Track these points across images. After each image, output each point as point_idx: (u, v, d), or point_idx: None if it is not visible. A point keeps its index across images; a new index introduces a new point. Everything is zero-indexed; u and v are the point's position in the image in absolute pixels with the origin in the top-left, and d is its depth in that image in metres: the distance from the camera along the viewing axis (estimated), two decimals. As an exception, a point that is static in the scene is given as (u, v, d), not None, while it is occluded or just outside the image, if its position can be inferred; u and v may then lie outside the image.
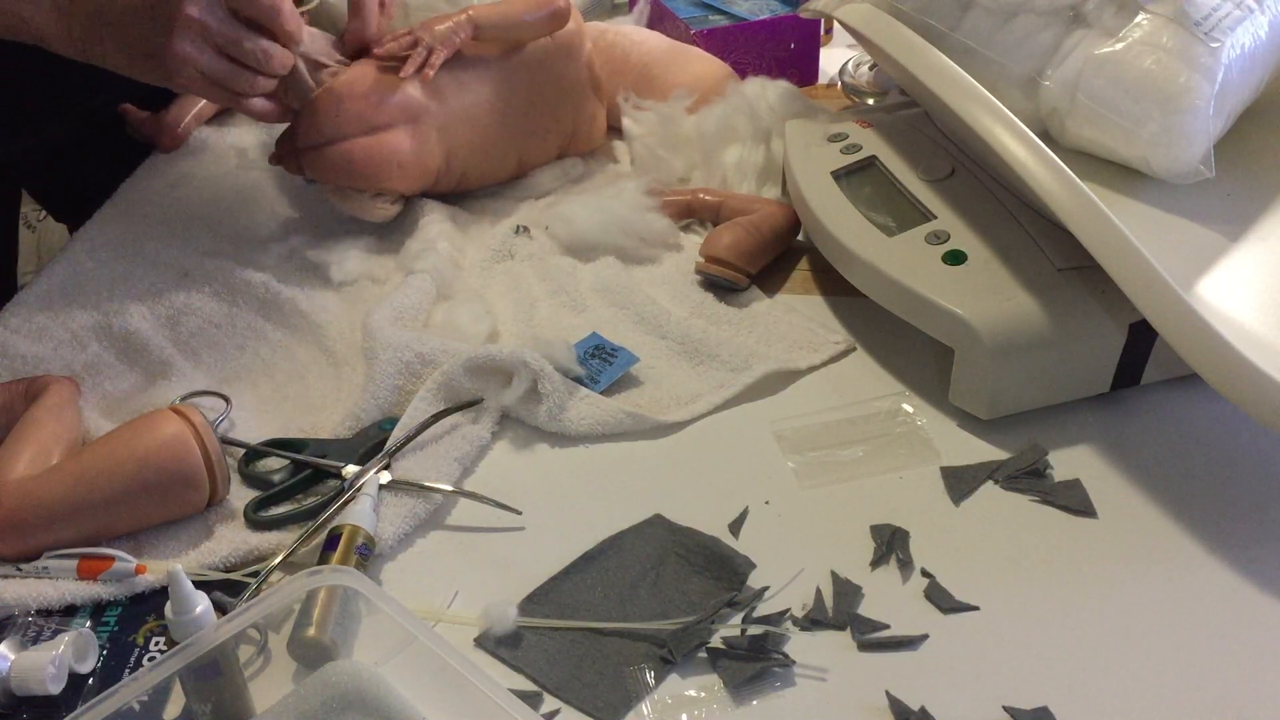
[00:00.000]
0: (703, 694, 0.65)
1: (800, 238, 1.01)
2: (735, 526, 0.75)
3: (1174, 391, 0.82)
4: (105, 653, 0.69)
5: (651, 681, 0.66)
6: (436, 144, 1.02)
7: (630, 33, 1.18)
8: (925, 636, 0.67)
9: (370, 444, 0.81)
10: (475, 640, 0.69)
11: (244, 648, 0.68)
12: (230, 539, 0.74)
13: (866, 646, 0.67)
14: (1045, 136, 0.87)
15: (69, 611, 0.71)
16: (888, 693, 0.64)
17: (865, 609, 0.69)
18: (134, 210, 1.10)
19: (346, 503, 0.75)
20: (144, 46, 0.88)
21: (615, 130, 1.15)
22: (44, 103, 1.17)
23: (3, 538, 0.72)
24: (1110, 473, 0.77)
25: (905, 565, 0.72)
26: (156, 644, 0.69)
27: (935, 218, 0.87)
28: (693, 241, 1.00)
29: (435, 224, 1.02)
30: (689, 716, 0.64)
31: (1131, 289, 0.71)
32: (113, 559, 0.72)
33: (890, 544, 0.73)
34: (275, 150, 1.02)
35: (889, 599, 0.70)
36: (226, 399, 0.85)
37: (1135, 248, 0.71)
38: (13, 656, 0.66)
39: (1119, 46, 0.82)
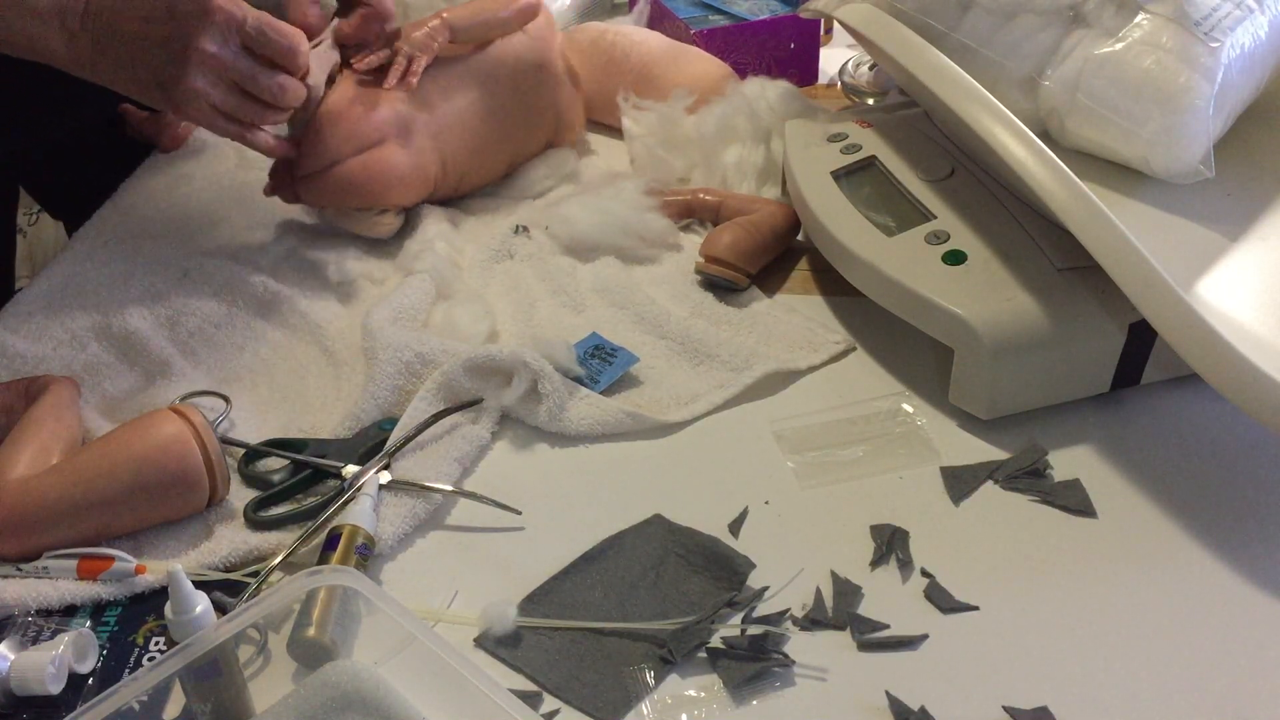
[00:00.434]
0: (703, 694, 0.65)
1: (800, 238, 1.01)
2: (735, 526, 0.75)
3: (1174, 391, 0.82)
4: (105, 653, 0.69)
5: (651, 681, 0.66)
6: (431, 152, 1.02)
7: (630, 33, 1.18)
8: (925, 636, 0.67)
9: (370, 444, 0.81)
10: (475, 640, 0.69)
11: (244, 648, 0.68)
12: (230, 539, 0.74)
13: (866, 646, 0.67)
14: (1045, 136, 0.87)
15: (69, 611, 0.71)
16: (888, 693, 0.64)
17: (865, 609, 0.69)
18: (133, 210, 1.10)
19: (346, 503, 0.75)
20: (154, 76, 0.87)
21: (615, 130, 1.15)
22: (44, 103, 1.17)
23: (3, 538, 0.72)
24: (1110, 473, 0.77)
25: (905, 565, 0.72)
26: (156, 644, 0.69)
27: (935, 218, 0.87)
28: (692, 241, 1.01)
29: (434, 225, 1.02)
30: (689, 716, 0.64)
31: (1131, 289, 0.71)
32: (113, 559, 0.72)
33: (890, 544, 0.73)
34: (270, 182, 1.01)
35: (889, 599, 0.70)
36: (226, 399, 0.85)
37: (1135, 248, 0.71)
38: (13, 656, 0.66)
39: (1119, 46, 0.82)
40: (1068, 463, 0.78)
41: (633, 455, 0.81)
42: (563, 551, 0.73)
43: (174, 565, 0.61)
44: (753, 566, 0.71)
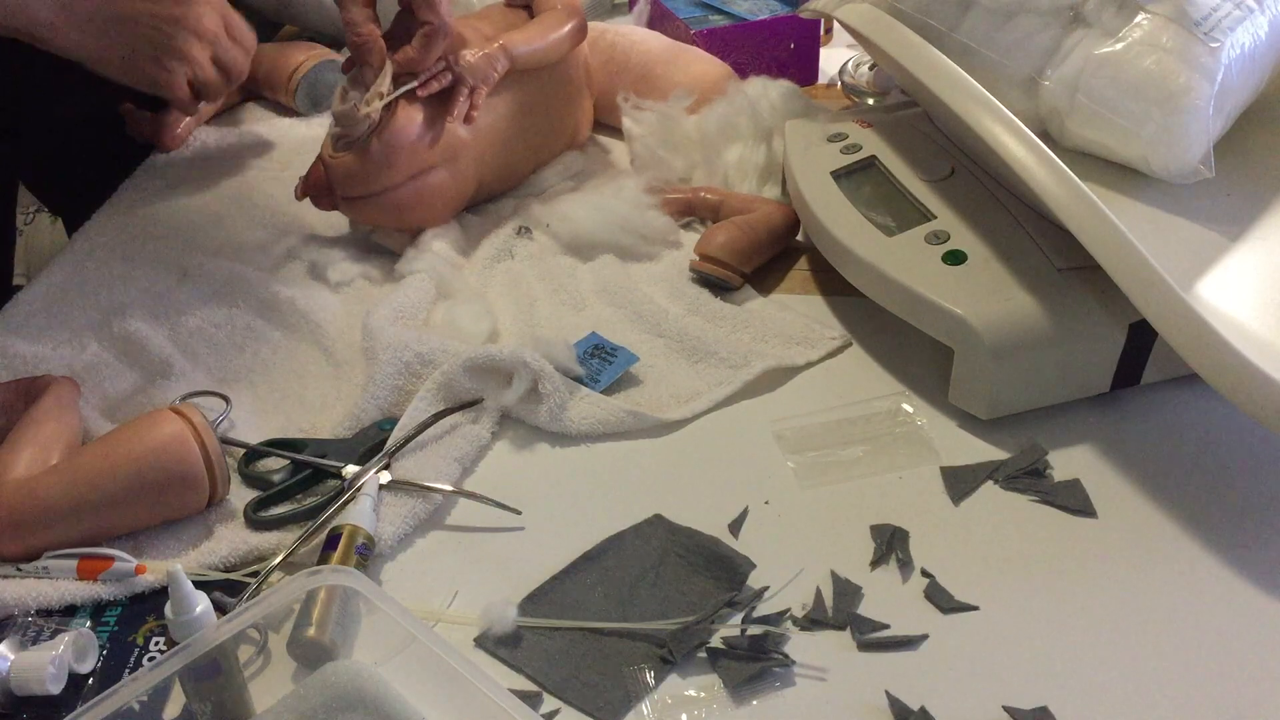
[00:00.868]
0: (703, 694, 0.65)
1: (800, 237, 1.01)
2: (735, 526, 0.75)
3: (1174, 391, 0.82)
4: (105, 653, 0.69)
5: (651, 681, 0.66)
6: (472, 175, 1.02)
7: (630, 33, 1.18)
8: (925, 636, 0.67)
9: (370, 444, 0.81)
10: (475, 640, 0.69)
11: (244, 648, 0.68)
12: (230, 539, 0.74)
13: (866, 646, 0.67)
14: (1045, 136, 0.87)
15: (69, 611, 0.71)
16: (887, 693, 0.64)
17: (865, 609, 0.69)
18: (133, 211, 1.10)
19: (346, 503, 0.75)
20: (149, 48, 0.91)
21: (615, 130, 1.15)
22: (42, 100, 1.17)
23: (3, 538, 0.72)
24: (1110, 473, 0.77)
25: (905, 565, 0.72)
26: (156, 644, 0.69)
27: (935, 218, 0.87)
28: (692, 239, 1.00)
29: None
30: (689, 716, 0.64)
31: (1131, 289, 0.71)
32: (112, 559, 0.72)
33: (890, 544, 0.73)
34: (304, 189, 1.00)
35: (889, 599, 0.70)
36: (226, 399, 0.85)
37: (1135, 248, 0.71)
38: (13, 656, 0.66)
39: (1119, 46, 0.82)
40: (1068, 463, 0.78)
41: (633, 455, 0.81)
42: (563, 551, 0.73)
43: (174, 565, 0.61)
44: (753, 566, 0.71)
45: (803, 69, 1.25)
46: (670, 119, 1.08)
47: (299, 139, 1.21)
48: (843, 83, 1.22)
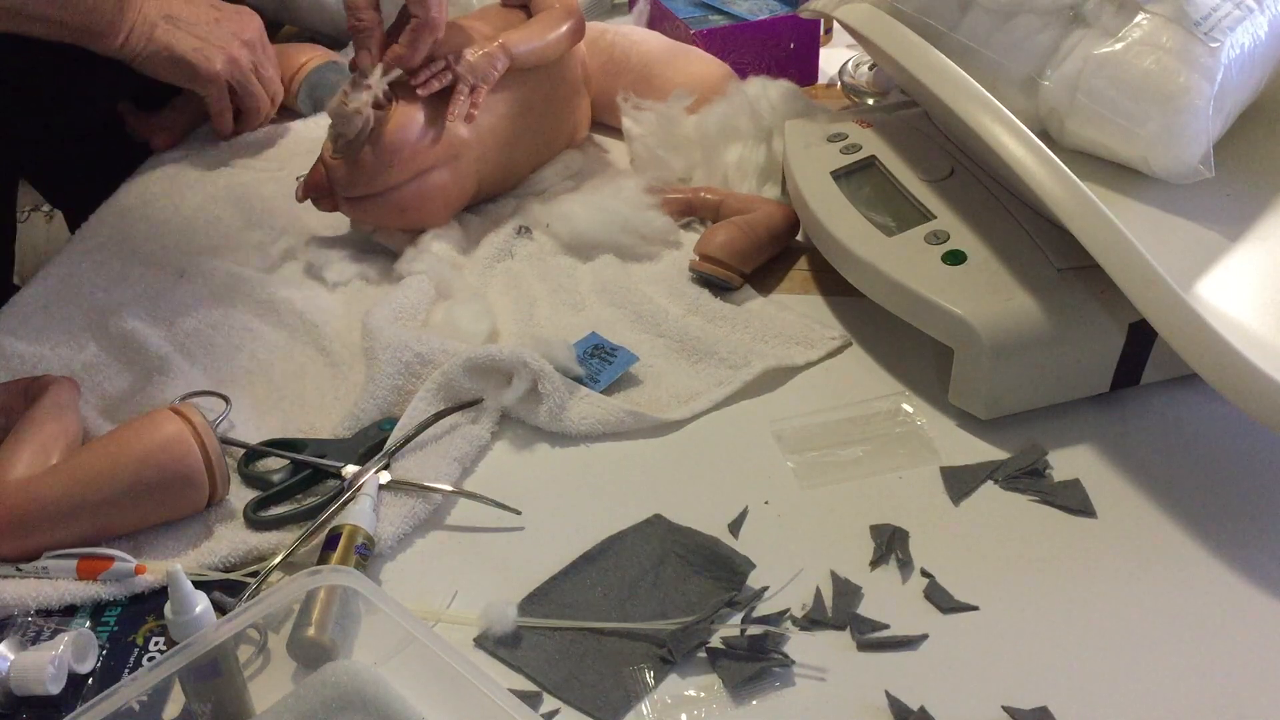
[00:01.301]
0: (702, 694, 0.65)
1: (800, 238, 1.01)
2: (735, 526, 0.75)
3: (1174, 391, 0.82)
4: (105, 653, 0.69)
5: (651, 681, 0.66)
6: (473, 174, 1.02)
7: (630, 33, 1.18)
8: (925, 636, 0.67)
9: (370, 444, 0.81)
10: (475, 640, 0.68)
11: (244, 648, 0.68)
12: (230, 539, 0.74)
13: (866, 646, 0.67)
14: (1045, 136, 0.87)
15: (69, 611, 0.71)
16: (887, 693, 0.64)
17: (865, 609, 0.69)
18: (130, 212, 1.10)
19: (346, 503, 0.75)
20: (196, 42, 1.06)
21: (615, 130, 1.15)
22: (45, 96, 1.18)
23: (3, 538, 0.72)
24: (1110, 473, 0.77)
25: (905, 565, 0.72)
26: (156, 644, 0.69)
27: (935, 218, 0.87)
28: (692, 239, 1.00)
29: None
30: (689, 716, 0.64)
31: (1131, 289, 0.71)
32: (112, 559, 0.72)
33: (890, 544, 0.73)
34: (305, 190, 1.00)
35: (889, 599, 0.70)
36: (226, 399, 0.85)
37: (1135, 248, 0.71)
38: (12, 656, 0.66)
39: (1118, 46, 0.82)
40: (1067, 463, 0.78)
41: (633, 455, 0.81)
42: (563, 551, 0.73)
43: (174, 565, 0.61)
44: (752, 566, 0.71)
45: (803, 69, 1.25)
46: (670, 119, 1.08)
47: (297, 139, 1.20)
48: (843, 83, 1.22)
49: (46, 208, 2.18)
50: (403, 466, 0.79)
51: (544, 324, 0.93)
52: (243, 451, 0.81)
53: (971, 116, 0.78)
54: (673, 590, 0.71)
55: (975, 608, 0.69)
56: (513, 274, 0.99)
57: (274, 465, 0.81)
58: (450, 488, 0.77)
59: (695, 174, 1.08)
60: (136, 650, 0.69)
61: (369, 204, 0.98)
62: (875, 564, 0.72)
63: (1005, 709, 0.63)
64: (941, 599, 0.69)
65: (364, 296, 0.97)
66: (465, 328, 0.90)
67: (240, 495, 0.79)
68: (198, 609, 0.61)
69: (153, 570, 0.72)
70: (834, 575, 0.71)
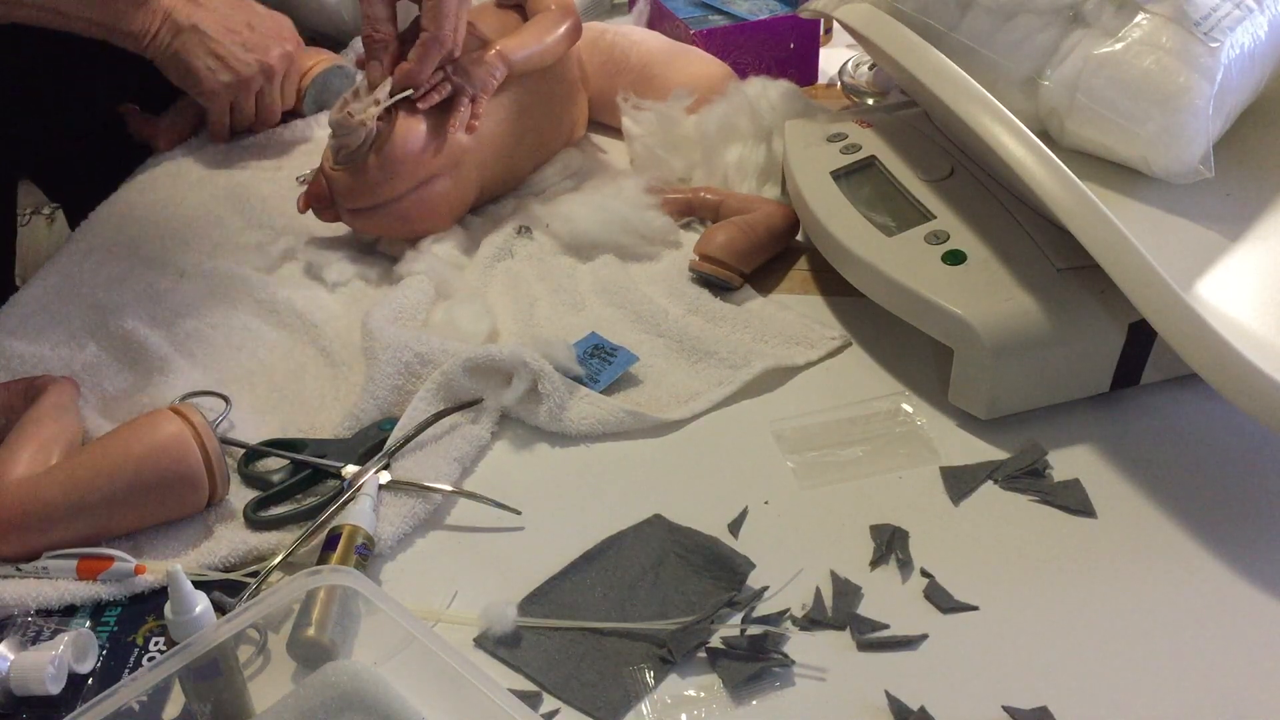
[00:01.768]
0: (702, 694, 0.65)
1: (800, 238, 1.01)
2: (735, 526, 0.75)
3: (1174, 391, 0.82)
4: (105, 653, 0.69)
5: (651, 681, 0.66)
6: (475, 181, 1.02)
7: (630, 33, 1.18)
8: (925, 636, 0.67)
9: (370, 444, 0.81)
10: (475, 640, 0.69)
11: (244, 648, 0.68)
12: (230, 539, 0.74)
13: (866, 646, 0.67)
14: (1045, 136, 0.87)
15: (69, 611, 0.71)
16: (887, 693, 0.64)
17: (865, 609, 0.69)
18: (130, 212, 1.10)
19: (346, 503, 0.75)
20: (211, 59, 1.08)
21: (614, 130, 1.15)
22: (46, 97, 1.18)
23: (3, 538, 0.72)
24: (1110, 473, 0.77)
25: (905, 565, 0.72)
26: (156, 644, 0.69)
27: (935, 218, 0.87)
28: (692, 239, 1.00)
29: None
30: (689, 716, 0.64)
31: (1131, 289, 0.71)
32: (112, 559, 0.72)
33: (890, 544, 0.73)
34: (306, 201, 0.99)
35: (889, 599, 0.70)
36: (226, 399, 0.85)
37: (1135, 248, 0.71)
38: (12, 656, 0.66)
39: (1118, 46, 0.82)
40: (1067, 463, 0.78)
41: (633, 455, 0.81)
42: (563, 551, 0.73)
43: (174, 565, 0.61)
44: (752, 566, 0.71)
45: (803, 69, 1.25)
46: (670, 119, 1.08)
47: (296, 139, 1.20)
48: (842, 83, 1.22)
49: (48, 210, 2.18)
50: (403, 466, 0.79)
51: (544, 324, 0.93)
52: (243, 451, 0.81)
53: (971, 116, 0.78)
54: (673, 590, 0.71)
55: (975, 608, 0.69)
56: (513, 274, 0.99)
57: (274, 465, 0.81)
58: (450, 488, 0.77)
59: (695, 174, 1.08)
60: (136, 650, 0.69)
61: (372, 215, 0.98)
62: (875, 564, 0.72)
63: (1005, 709, 0.63)
64: (941, 599, 0.69)
65: (364, 297, 0.97)
66: (465, 328, 0.90)
67: (240, 495, 0.79)
68: (198, 609, 0.61)
69: (153, 570, 0.72)
70: (834, 575, 0.71)
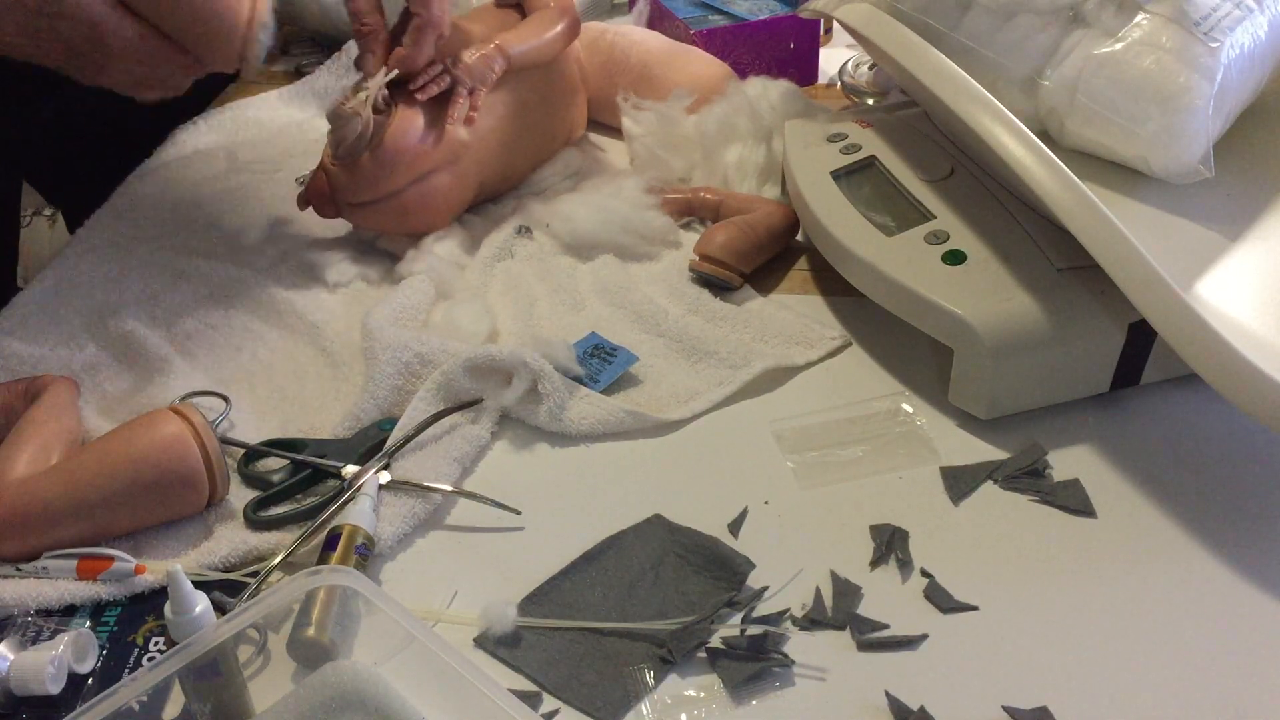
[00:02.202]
0: (702, 694, 0.65)
1: (800, 238, 1.01)
2: (735, 526, 0.75)
3: (1174, 391, 0.82)
4: (105, 653, 0.69)
5: (651, 681, 0.66)
6: (474, 175, 1.02)
7: (630, 33, 1.18)
8: (925, 636, 0.67)
9: (370, 444, 0.81)
10: (475, 640, 0.69)
11: (243, 648, 0.68)
12: (230, 539, 0.74)
13: (866, 646, 0.67)
14: (1045, 136, 0.87)
15: (68, 611, 0.71)
16: (887, 693, 0.64)
17: (865, 609, 0.69)
18: (128, 213, 1.10)
19: (346, 503, 0.75)
20: (76, 72, 0.85)
21: (614, 130, 1.15)
22: (43, 95, 1.17)
23: (3, 538, 0.72)
24: (1110, 473, 0.77)
25: (905, 565, 0.72)
26: (156, 644, 0.69)
27: (935, 218, 0.87)
28: (692, 239, 1.00)
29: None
30: (688, 716, 0.64)
31: (1131, 289, 0.71)
32: (112, 559, 0.72)
33: (890, 544, 0.73)
34: (305, 198, 1.00)
35: (888, 599, 0.70)
36: (226, 399, 0.85)
37: (1135, 248, 0.71)
38: (12, 656, 0.66)
39: (1118, 46, 0.82)
40: (1067, 463, 0.78)
41: (633, 455, 0.81)
42: (563, 551, 0.73)
43: (174, 565, 0.61)
44: (752, 566, 0.71)
45: (803, 69, 1.25)
46: (670, 119, 1.08)
47: (293, 140, 1.21)
48: (842, 83, 1.22)
49: (49, 211, 2.18)
50: (403, 466, 0.79)
51: (544, 324, 0.93)
52: (243, 451, 0.81)
53: (971, 116, 0.78)
54: (673, 590, 0.71)
55: (975, 608, 0.69)
56: (513, 274, 0.99)
57: (274, 465, 0.81)
58: (450, 488, 0.77)
59: (695, 174, 1.08)
60: (136, 650, 0.69)
61: (371, 210, 0.98)
62: (875, 564, 0.72)
63: (1005, 709, 0.63)
64: (941, 599, 0.69)
65: (364, 297, 0.97)
66: (465, 328, 0.90)
67: (240, 495, 0.79)
68: (198, 609, 0.61)
69: (153, 570, 0.72)
70: (834, 575, 0.71)
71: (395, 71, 0.95)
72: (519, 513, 0.76)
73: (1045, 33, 0.85)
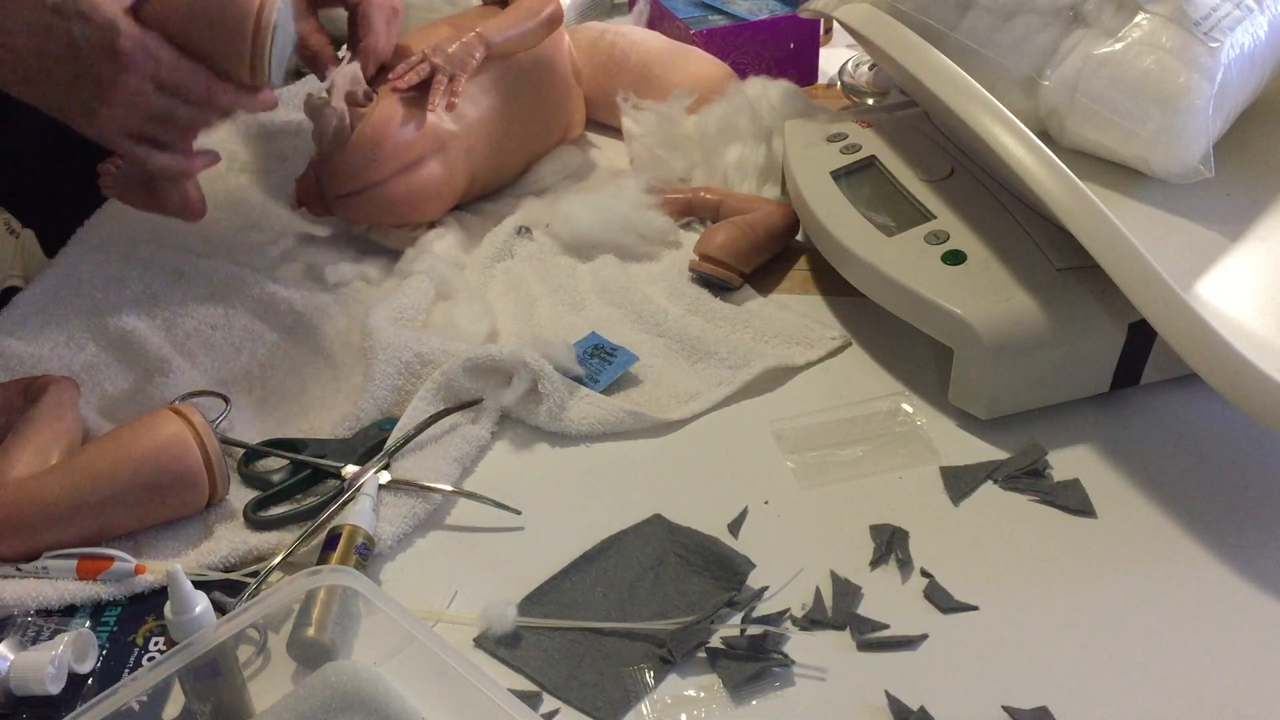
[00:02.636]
0: (702, 694, 0.65)
1: (799, 238, 1.01)
2: (735, 526, 0.75)
3: (1174, 391, 0.82)
4: (105, 653, 0.69)
5: (651, 681, 0.65)
6: (464, 165, 1.02)
7: (630, 33, 1.18)
8: (925, 636, 0.67)
9: (370, 444, 0.81)
10: (475, 640, 0.69)
11: (244, 648, 0.68)
12: (230, 539, 0.74)
13: (866, 646, 0.67)
14: (1045, 136, 0.87)
15: (68, 611, 0.71)
16: (887, 693, 0.64)
17: (865, 609, 0.69)
18: (127, 213, 1.09)
19: (346, 503, 0.75)
20: (73, 106, 0.80)
21: (615, 130, 1.15)
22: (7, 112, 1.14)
23: (3, 538, 0.72)
24: (1110, 473, 0.77)
25: (905, 565, 0.72)
26: (156, 644, 0.69)
27: (935, 218, 0.87)
28: (692, 239, 1.00)
29: (436, 225, 1.02)
30: (688, 716, 0.64)
31: (1131, 289, 0.71)
32: (112, 559, 0.72)
33: (890, 544, 0.73)
34: (296, 196, 1.01)
35: (888, 599, 0.70)
36: (226, 399, 0.85)
37: (1135, 248, 0.71)
38: (12, 656, 0.66)
39: (1118, 46, 0.82)
40: (1067, 463, 0.78)
41: (633, 455, 0.81)
42: (563, 551, 0.73)
43: (174, 565, 0.61)
44: (752, 566, 0.71)
45: (802, 69, 1.25)
46: (670, 119, 1.08)
47: (293, 141, 1.20)
48: (842, 83, 1.22)
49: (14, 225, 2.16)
50: (403, 466, 0.79)
51: (544, 324, 0.93)
52: (243, 451, 0.81)
53: (971, 116, 0.78)
54: (673, 590, 0.71)
55: (975, 608, 0.69)
56: (513, 274, 0.99)
57: (274, 465, 0.81)
58: (450, 488, 0.77)
59: (695, 174, 1.08)
60: (136, 650, 0.69)
61: (358, 201, 0.98)
62: (875, 564, 0.72)
63: (1005, 709, 0.63)
64: (941, 599, 0.69)
65: (363, 297, 0.97)
66: (465, 328, 0.90)
67: (240, 495, 0.79)
68: (198, 609, 0.61)
69: (153, 570, 0.72)
70: (834, 575, 0.71)
71: (355, 59, 0.97)
72: (519, 513, 0.76)
73: (1045, 33, 0.86)
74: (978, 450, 0.79)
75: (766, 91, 1.08)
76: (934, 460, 0.79)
